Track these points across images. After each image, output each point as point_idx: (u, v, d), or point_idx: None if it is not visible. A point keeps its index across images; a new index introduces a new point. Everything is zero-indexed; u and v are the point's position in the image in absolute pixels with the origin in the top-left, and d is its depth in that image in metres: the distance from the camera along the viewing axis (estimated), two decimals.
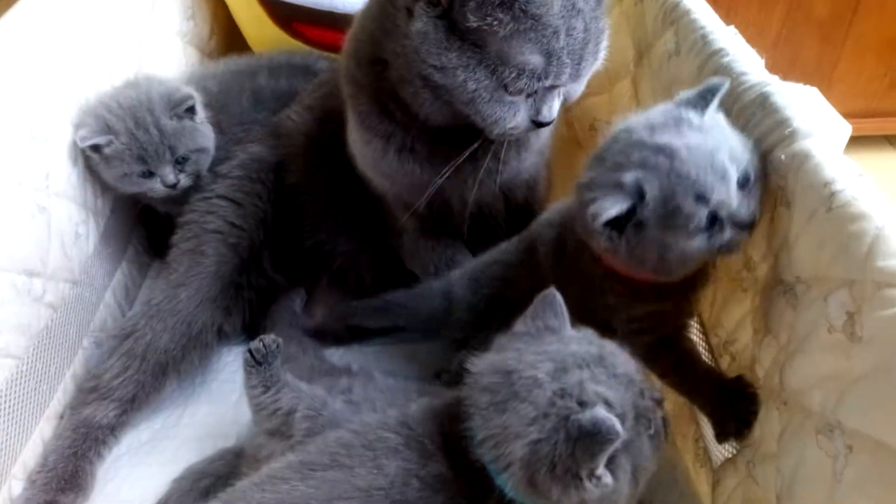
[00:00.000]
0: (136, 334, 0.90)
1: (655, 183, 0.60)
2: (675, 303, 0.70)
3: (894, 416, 0.45)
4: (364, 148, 0.86)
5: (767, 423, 0.61)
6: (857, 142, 0.73)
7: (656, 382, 0.73)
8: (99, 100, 0.97)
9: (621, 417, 0.51)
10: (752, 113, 0.66)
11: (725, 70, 0.72)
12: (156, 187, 0.97)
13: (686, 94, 0.66)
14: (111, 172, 0.95)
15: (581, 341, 0.57)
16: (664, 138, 0.62)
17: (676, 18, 0.87)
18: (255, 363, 0.71)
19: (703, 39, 0.78)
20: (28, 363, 0.83)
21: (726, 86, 0.65)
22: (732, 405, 0.65)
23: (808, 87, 0.66)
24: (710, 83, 0.65)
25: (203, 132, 1.01)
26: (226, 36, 1.44)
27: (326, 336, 1.01)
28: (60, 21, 0.96)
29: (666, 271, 0.64)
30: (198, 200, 1.00)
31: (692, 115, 0.63)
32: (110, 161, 0.94)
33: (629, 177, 0.61)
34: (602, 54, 0.73)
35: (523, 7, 0.64)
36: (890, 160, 1.92)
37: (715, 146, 0.60)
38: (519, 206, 0.97)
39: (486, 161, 0.79)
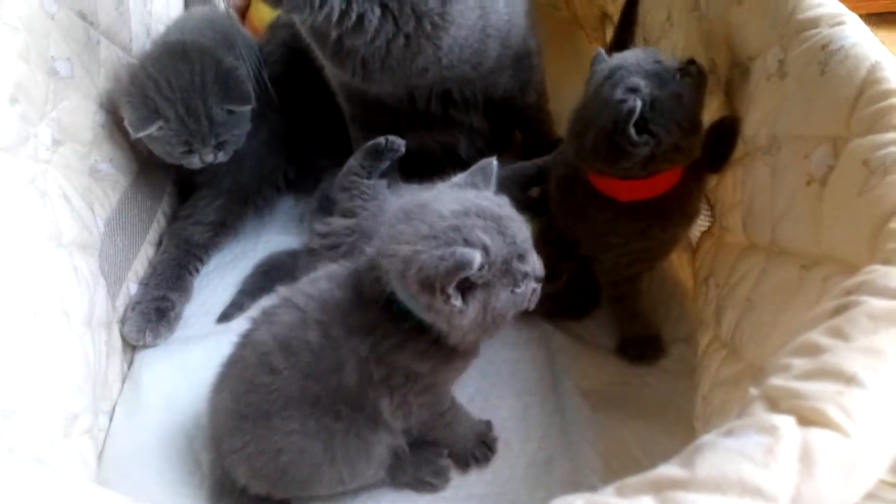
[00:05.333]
0: (220, 173, 1.08)
1: None
2: (670, 225, 0.81)
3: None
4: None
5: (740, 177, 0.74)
6: None
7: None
8: (146, 70, 0.95)
9: (489, 264, 0.60)
10: None
11: None
12: (194, 161, 0.99)
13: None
14: (154, 145, 0.97)
15: (492, 201, 0.66)
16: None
17: None
18: (374, 153, 0.89)
19: None
20: (131, 191, 1.03)
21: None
22: (639, 347, 0.89)
23: None
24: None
25: (246, 115, 1.01)
26: None
27: None
28: None
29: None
30: None
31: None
32: (156, 139, 0.96)
33: None
34: None
35: None
36: None
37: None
38: (507, 97, 1.03)
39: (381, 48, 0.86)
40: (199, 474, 0.82)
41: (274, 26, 1.21)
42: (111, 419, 0.88)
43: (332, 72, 1.03)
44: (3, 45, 0.77)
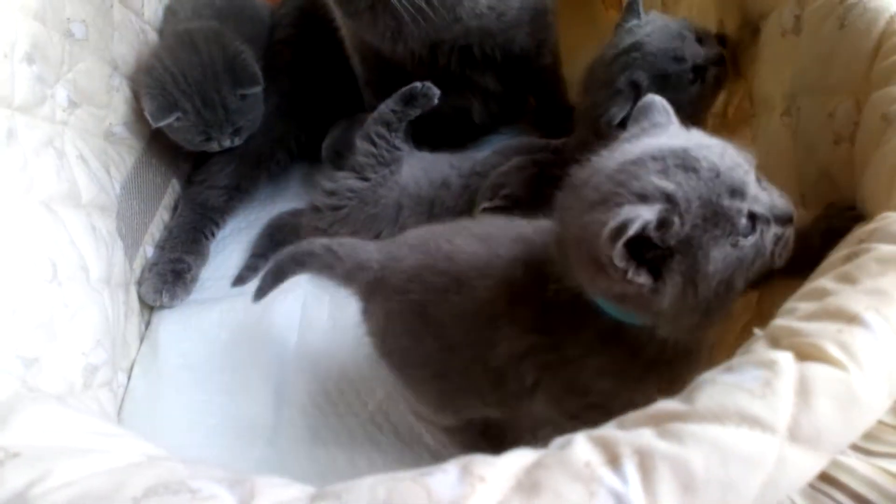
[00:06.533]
0: None
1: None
2: None
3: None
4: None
5: None
6: None
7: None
8: (163, 63, 0.98)
9: (680, 215, 0.45)
10: None
11: None
12: (213, 147, 1.04)
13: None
14: (174, 134, 1.02)
15: (674, 135, 0.52)
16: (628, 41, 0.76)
17: None
18: (409, 98, 0.90)
19: None
20: (146, 156, 1.04)
21: None
22: None
23: None
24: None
25: (259, 98, 1.04)
26: None
27: None
28: None
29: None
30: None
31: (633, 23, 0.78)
32: (176, 129, 1.00)
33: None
34: None
35: None
36: None
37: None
38: (523, 55, 1.02)
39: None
40: (213, 430, 0.84)
41: None
42: (129, 377, 0.91)
43: (350, 33, 1.03)
44: (20, 5, 0.78)
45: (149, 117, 0.96)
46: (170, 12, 1.16)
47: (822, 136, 0.59)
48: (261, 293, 0.79)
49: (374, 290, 0.68)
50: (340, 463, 0.80)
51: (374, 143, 0.91)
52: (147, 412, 0.87)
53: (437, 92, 0.91)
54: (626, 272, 0.45)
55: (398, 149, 0.92)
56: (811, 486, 0.36)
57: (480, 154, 1.02)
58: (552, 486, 0.29)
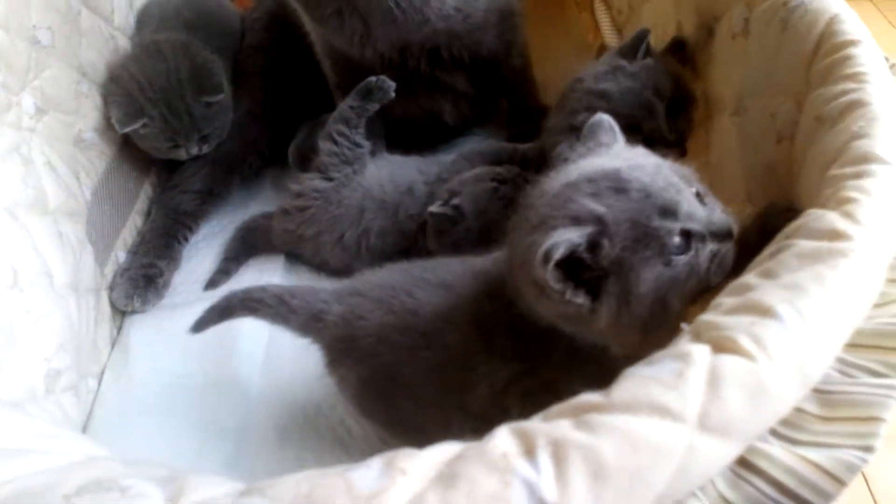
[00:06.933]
0: None
1: None
2: None
3: None
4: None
5: None
6: None
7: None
8: (129, 71, 0.99)
9: (610, 236, 0.46)
10: None
11: None
12: (181, 154, 1.05)
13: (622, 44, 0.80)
14: (142, 142, 1.03)
15: (614, 155, 0.53)
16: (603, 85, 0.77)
17: None
18: (365, 93, 0.91)
19: None
20: (117, 161, 1.04)
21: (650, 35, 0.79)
22: None
23: None
24: (638, 31, 0.79)
25: (227, 106, 1.06)
26: None
27: None
28: None
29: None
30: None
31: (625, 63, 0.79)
32: (143, 136, 1.01)
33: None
34: None
35: None
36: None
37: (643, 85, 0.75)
38: (491, 57, 1.04)
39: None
40: (183, 433, 0.85)
41: None
42: (100, 382, 0.91)
43: (320, 38, 1.04)
44: None
45: (115, 123, 0.98)
46: (140, 21, 1.17)
47: (767, 136, 0.61)
48: (200, 326, 0.76)
49: (343, 351, 0.67)
50: (309, 465, 0.79)
51: (335, 142, 0.93)
52: (118, 417, 0.87)
53: (392, 84, 0.92)
54: (563, 293, 0.46)
55: (360, 146, 0.93)
56: (733, 472, 0.37)
57: (449, 157, 1.03)
58: (469, 476, 0.30)
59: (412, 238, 0.93)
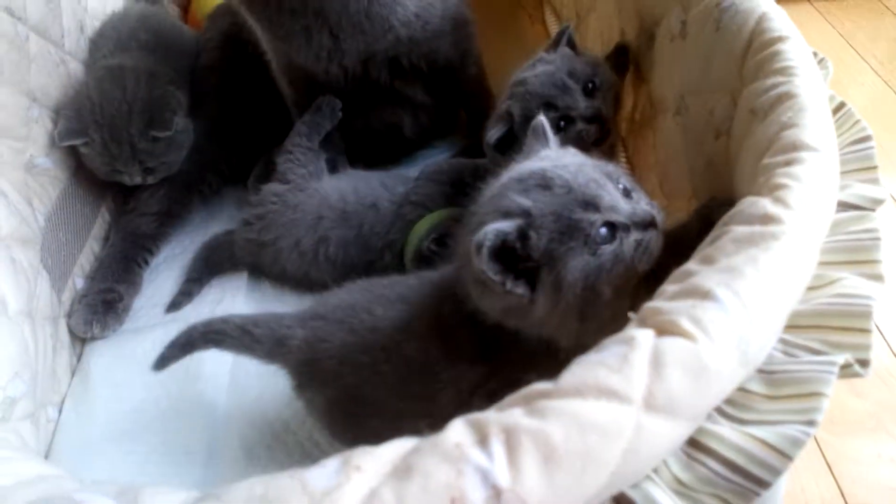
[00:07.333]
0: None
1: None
2: None
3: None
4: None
5: None
6: None
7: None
8: (87, 90, 1.00)
9: (537, 229, 0.49)
10: None
11: None
12: (124, 180, 1.04)
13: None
14: (87, 161, 1.03)
15: (542, 157, 0.57)
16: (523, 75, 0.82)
17: None
18: (316, 111, 0.96)
19: None
20: (72, 187, 1.03)
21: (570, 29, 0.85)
22: None
23: None
24: (561, 27, 0.86)
25: (178, 141, 1.04)
26: None
27: None
28: None
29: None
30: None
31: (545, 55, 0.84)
32: (87, 156, 1.02)
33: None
34: None
35: None
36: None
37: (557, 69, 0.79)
38: (447, 65, 1.06)
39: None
40: (148, 458, 0.83)
41: (213, 16, 1.22)
42: (60, 411, 0.89)
43: (279, 55, 1.04)
44: None
45: (55, 135, 0.97)
46: (95, 42, 1.16)
47: (707, 132, 0.63)
48: (162, 363, 0.74)
49: (309, 375, 0.68)
50: None
51: (290, 152, 0.94)
52: (81, 445, 0.85)
53: (338, 103, 0.99)
54: (503, 283, 0.48)
55: (314, 149, 0.96)
56: (685, 453, 0.38)
57: (412, 173, 1.03)
58: (423, 468, 0.30)
59: (378, 253, 0.93)
